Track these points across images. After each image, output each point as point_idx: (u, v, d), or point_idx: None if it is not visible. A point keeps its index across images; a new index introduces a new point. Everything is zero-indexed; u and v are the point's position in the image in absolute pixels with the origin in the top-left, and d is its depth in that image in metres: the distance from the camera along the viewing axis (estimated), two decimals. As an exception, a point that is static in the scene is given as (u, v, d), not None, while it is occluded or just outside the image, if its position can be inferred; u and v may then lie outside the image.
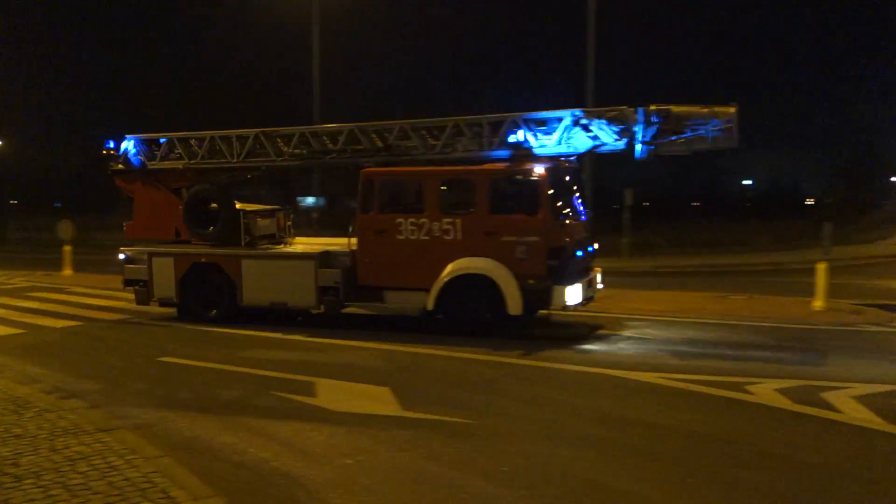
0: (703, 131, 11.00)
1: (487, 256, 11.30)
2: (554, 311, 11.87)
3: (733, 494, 5.49)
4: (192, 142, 13.64)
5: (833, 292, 16.38)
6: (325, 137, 12.82)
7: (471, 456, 6.30)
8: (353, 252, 12.21)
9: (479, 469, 5.99)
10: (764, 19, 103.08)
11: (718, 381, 8.68)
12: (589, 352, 10.74)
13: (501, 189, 11.61)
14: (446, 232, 11.55)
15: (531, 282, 11.05)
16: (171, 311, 13.71)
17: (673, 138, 11.11)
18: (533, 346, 10.82)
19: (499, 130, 11.60)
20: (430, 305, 11.57)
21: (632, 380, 8.89)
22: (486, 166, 11.69)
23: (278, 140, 13.08)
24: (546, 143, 11.52)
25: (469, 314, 11.49)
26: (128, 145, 13.95)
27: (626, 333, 11.91)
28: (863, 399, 7.88)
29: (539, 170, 11.23)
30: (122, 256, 13.80)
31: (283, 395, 8.30)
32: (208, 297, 13.14)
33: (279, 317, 13.07)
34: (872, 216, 54.94)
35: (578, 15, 23.37)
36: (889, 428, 6.93)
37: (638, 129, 11.01)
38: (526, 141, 11.41)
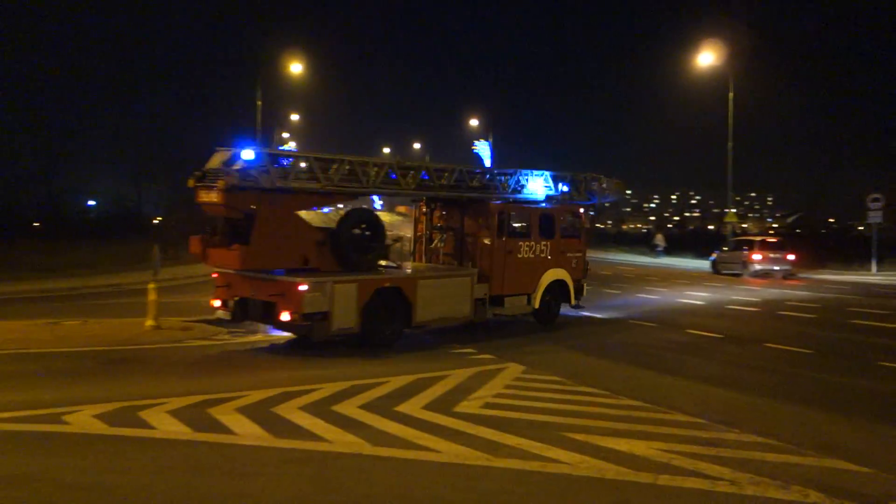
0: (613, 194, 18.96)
1: (560, 268, 16.34)
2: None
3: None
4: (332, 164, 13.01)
5: (169, 310, 17.07)
6: (436, 173, 14.50)
7: None
8: (479, 268, 14.91)
9: None
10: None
11: (33, 415, 8.10)
12: None
13: (567, 221, 17.04)
14: (542, 251, 16.03)
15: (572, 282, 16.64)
16: None
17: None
18: None
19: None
20: (537, 304, 15.90)
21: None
22: (560, 206, 16.70)
23: (408, 171, 14.02)
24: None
25: (551, 309, 16.33)
26: (259, 157, 12.09)
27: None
28: (176, 412, 8.30)
29: (582, 210, 17.40)
30: (303, 287, 11.84)
31: None
32: (383, 320, 13.04)
33: None
34: (211, 237, 59.38)
35: None
36: (195, 436, 7.42)
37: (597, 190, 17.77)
38: (560, 191, 16.71)
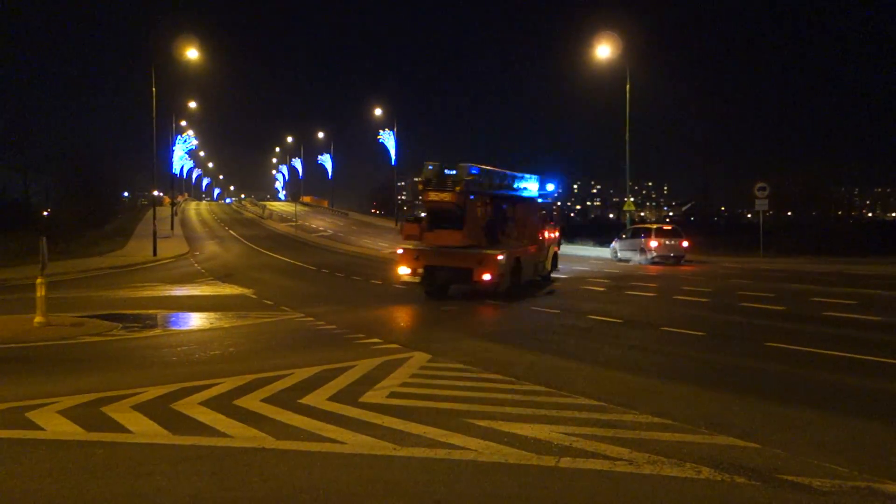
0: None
1: (554, 245, 24.47)
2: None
3: None
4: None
5: (59, 306, 16.31)
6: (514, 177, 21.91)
7: None
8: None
9: None
10: None
11: None
12: None
13: (556, 211, 25.69)
14: (550, 233, 23.85)
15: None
16: None
17: None
18: None
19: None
20: (549, 268, 23.97)
21: None
22: (554, 202, 25.46)
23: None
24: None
25: (550, 273, 24.36)
26: (477, 170, 18.70)
27: None
28: (67, 412, 7.92)
29: (559, 203, 28.50)
30: (500, 257, 18.65)
31: None
32: (513, 279, 19.81)
33: None
34: (106, 229, 57.15)
35: None
36: (88, 436, 7.09)
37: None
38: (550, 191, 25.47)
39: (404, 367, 10.48)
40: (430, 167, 18.44)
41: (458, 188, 18.02)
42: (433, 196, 18.42)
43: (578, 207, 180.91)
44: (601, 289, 22.22)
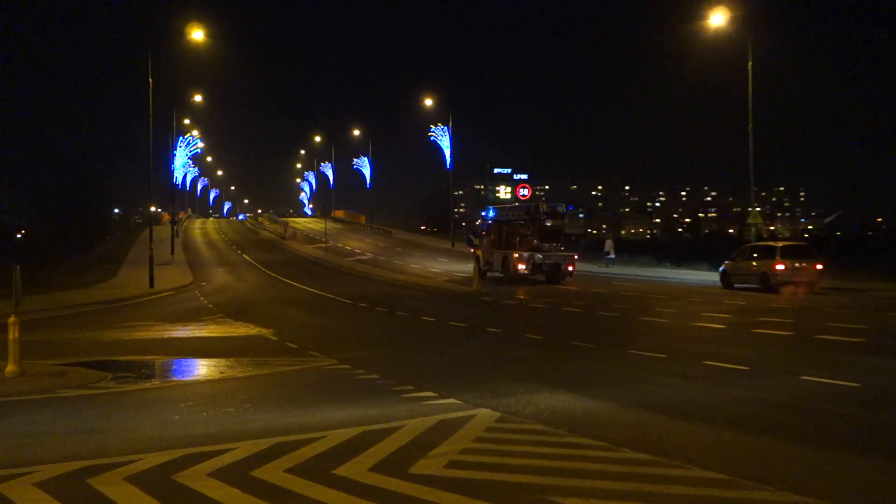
0: None
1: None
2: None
3: None
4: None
5: (36, 351, 16.75)
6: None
7: None
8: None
9: None
10: None
11: None
12: None
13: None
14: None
15: None
16: None
17: None
18: None
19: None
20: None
21: None
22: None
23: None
24: None
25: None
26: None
27: None
28: (46, 485, 8.06)
29: None
30: (576, 257, 42.75)
31: None
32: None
33: None
34: (93, 254, 58.66)
35: None
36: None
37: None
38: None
39: (466, 428, 10.46)
40: (548, 204, 42.50)
41: (566, 218, 41.22)
42: (551, 222, 40.31)
43: (688, 220, 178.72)
44: (719, 325, 21.89)
